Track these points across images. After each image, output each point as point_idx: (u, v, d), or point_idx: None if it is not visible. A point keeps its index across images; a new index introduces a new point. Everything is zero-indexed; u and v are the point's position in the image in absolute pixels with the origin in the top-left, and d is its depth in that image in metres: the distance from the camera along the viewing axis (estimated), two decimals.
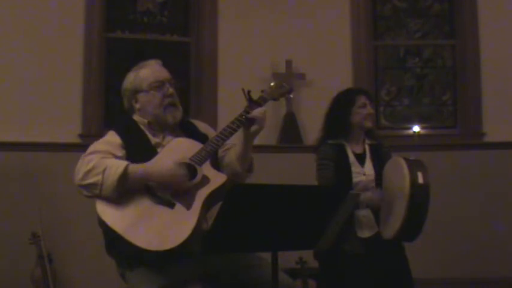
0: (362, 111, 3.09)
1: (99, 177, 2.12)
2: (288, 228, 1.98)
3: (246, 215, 1.89)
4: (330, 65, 5.06)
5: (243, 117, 2.28)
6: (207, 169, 2.23)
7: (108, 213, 2.13)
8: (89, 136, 4.55)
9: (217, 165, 2.36)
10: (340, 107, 3.12)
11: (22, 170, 4.54)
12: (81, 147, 4.57)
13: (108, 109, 4.95)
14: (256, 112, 2.28)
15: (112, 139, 2.32)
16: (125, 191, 2.15)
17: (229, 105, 4.94)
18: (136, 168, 2.17)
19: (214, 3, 5.08)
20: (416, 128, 4.97)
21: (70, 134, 4.68)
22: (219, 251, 2.00)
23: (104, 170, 2.13)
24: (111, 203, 2.14)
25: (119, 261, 2.29)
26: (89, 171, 2.15)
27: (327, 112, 3.19)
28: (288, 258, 3.81)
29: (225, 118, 4.88)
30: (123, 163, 2.16)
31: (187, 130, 2.43)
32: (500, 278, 4.74)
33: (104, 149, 2.25)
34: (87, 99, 4.80)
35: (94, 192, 2.14)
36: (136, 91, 2.39)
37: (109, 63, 5.02)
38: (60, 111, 4.70)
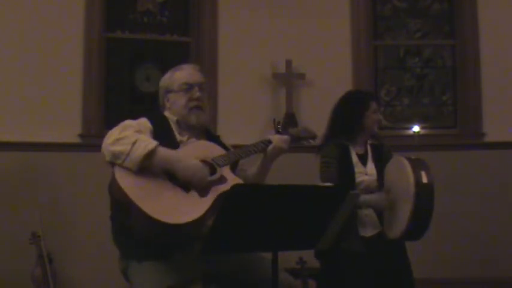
0: (374, 117, 3.11)
1: (128, 147, 2.16)
2: (288, 228, 1.98)
3: (246, 215, 1.90)
4: (330, 65, 5.05)
5: (268, 141, 2.51)
6: (226, 172, 2.32)
7: (126, 179, 2.16)
8: (89, 136, 4.55)
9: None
10: (354, 110, 3.12)
11: (22, 170, 4.54)
12: (81, 147, 4.66)
13: (108, 109, 4.95)
14: (277, 137, 2.53)
15: (144, 123, 2.39)
16: (145, 169, 2.18)
17: (229, 105, 4.96)
18: (165, 151, 2.22)
19: (214, 3, 5.08)
20: (416, 128, 4.97)
21: (70, 134, 4.67)
22: (219, 251, 2.00)
23: (135, 142, 2.17)
24: (130, 171, 2.17)
25: (125, 251, 2.30)
26: (121, 138, 2.19)
27: (335, 112, 3.18)
28: (288, 258, 3.80)
29: (225, 118, 4.94)
30: (154, 142, 2.21)
31: (211, 138, 2.52)
32: (500, 278, 4.74)
33: (138, 128, 2.31)
34: (87, 99, 4.79)
35: (117, 160, 2.17)
36: (168, 90, 2.53)
37: (109, 63, 5.02)
38: (60, 111, 4.70)
